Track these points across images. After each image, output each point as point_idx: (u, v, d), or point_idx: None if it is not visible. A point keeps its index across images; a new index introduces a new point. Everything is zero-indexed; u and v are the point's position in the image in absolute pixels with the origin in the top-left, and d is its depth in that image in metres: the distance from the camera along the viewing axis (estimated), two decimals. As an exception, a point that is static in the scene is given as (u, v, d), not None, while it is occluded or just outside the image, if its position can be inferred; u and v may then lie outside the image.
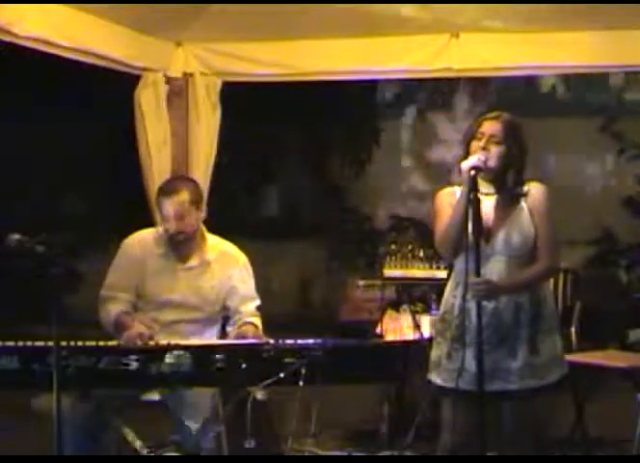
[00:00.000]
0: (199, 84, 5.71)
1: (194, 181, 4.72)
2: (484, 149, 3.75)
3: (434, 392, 3.95)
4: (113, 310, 4.35)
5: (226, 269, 4.50)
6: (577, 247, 8.54)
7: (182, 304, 4.43)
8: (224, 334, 4.59)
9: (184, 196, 4.38)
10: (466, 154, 3.79)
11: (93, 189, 9.85)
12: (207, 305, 4.48)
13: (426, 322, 5.36)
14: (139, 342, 4.01)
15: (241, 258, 4.59)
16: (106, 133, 9.19)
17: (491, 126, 3.80)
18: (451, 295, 3.88)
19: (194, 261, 4.46)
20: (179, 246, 4.44)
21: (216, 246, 4.54)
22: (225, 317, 4.62)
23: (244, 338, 4.28)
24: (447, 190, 3.92)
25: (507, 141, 3.78)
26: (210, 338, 4.49)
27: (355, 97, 9.64)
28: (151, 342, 4.02)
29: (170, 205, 4.35)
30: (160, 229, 4.51)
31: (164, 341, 4.01)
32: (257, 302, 4.58)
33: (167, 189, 4.43)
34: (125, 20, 5.11)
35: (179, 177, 5.00)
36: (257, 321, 4.51)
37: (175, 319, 4.41)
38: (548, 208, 3.82)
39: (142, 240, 4.51)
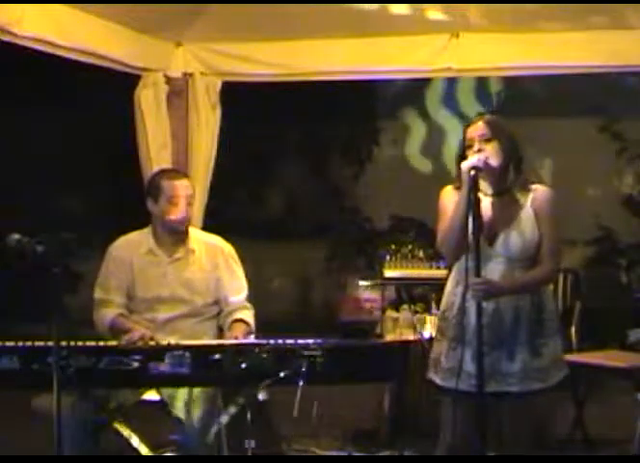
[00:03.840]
0: (199, 84, 5.71)
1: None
2: (479, 150, 3.75)
3: (433, 391, 3.95)
4: (107, 314, 4.36)
5: (212, 259, 4.50)
6: (577, 247, 8.54)
7: (172, 298, 4.41)
8: (221, 331, 4.58)
9: (190, 183, 4.47)
10: (462, 160, 3.79)
11: (92, 189, 9.85)
12: (197, 296, 4.46)
13: (426, 322, 5.36)
14: (140, 343, 4.00)
15: (226, 247, 4.58)
16: (106, 133, 9.18)
17: (475, 129, 3.80)
18: (451, 293, 3.88)
19: (180, 253, 4.46)
20: (168, 234, 4.43)
21: (200, 238, 4.54)
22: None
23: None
24: (451, 187, 3.91)
25: (496, 137, 3.78)
26: (208, 334, 4.47)
27: (355, 97, 9.63)
28: (152, 342, 4.01)
29: (180, 189, 4.36)
30: (145, 229, 4.50)
31: (164, 341, 4.01)
32: (246, 291, 4.56)
33: (173, 173, 4.47)
34: (125, 20, 5.11)
35: (173, 168, 5.02)
36: (247, 315, 4.48)
37: (170, 317, 4.40)
38: (553, 212, 3.81)
39: (126, 241, 4.51)
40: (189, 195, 4.38)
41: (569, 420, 5.27)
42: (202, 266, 4.48)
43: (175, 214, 4.36)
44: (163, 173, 4.57)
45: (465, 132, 3.83)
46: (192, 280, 4.46)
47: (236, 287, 4.53)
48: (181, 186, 4.37)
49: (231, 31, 5.51)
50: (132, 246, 4.47)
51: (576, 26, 5.27)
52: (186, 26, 5.50)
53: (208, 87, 5.73)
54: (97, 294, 4.45)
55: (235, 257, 4.59)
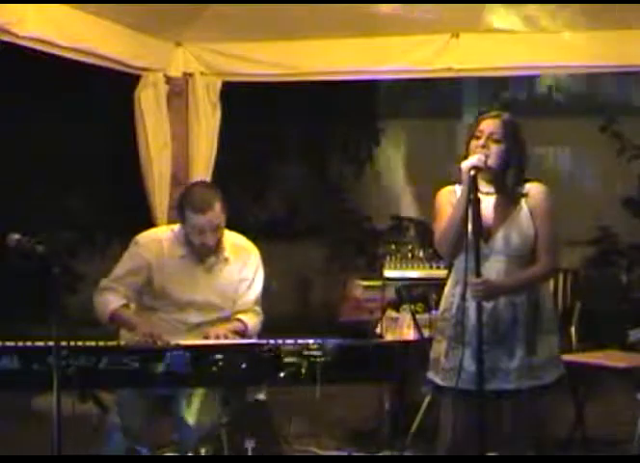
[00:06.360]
0: (199, 84, 5.72)
1: (214, 186, 4.60)
2: (483, 146, 3.76)
3: (433, 391, 3.95)
4: (111, 300, 4.30)
5: (240, 263, 4.47)
6: (577, 247, 8.54)
7: (205, 304, 4.40)
8: None
9: (218, 208, 4.28)
10: (467, 154, 3.79)
11: (93, 189, 9.84)
12: (228, 302, 4.44)
13: (426, 322, 5.36)
14: (149, 340, 4.01)
15: (253, 251, 4.54)
16: (106, 133, 9.18)
17: (490, 125, 3.80)
18: (450, 293, 3.88)
19: (212, 260, 4.42)
20: (199, 250, 4.41)
21: (230, 240, 4.49)
22: None
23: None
24: (448, 188, 3.92)
25: (506, 139, 3.78)
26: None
27: (355, 97, 9.64)
28: (159, 342, 4.01)
29: (206, 222, 4.27)
30: (176, 228, 4.45)
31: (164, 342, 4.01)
32: (255, 296, 4.52)
33: (200, 206, 4.26)
34: (125, 20, 5.11)
35: (205, 188, 4.57)
36: (249, 317, 4.46)
37: (201, 321, 4.38)
38: (549, 209, 3.82)
39: (156, 241, 4.43)
40: (214, 224, 4.29)
41: (569, 420, 5.27)
42: (233, 271, 4.46)
43: (201, 241, 4.32)
44: (191, 201, 4.32)
45: (479, 121, 3.83)
46: (224, 286, 4.43)
47: (249, 291, 4.51)
48: (207, 221, 4.26)
49: (231, 31, 5.51)
50: (162, 247, 4.39)
51: (577, 26, 5.27)
52: (186, 26, 5.50)
53: (208, 87, 5.74)
54: (108, 281, 4.37)
55: (259, 261, 4.54)
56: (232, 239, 4.50)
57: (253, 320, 4.47)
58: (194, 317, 4.38)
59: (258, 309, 4.54)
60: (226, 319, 4.44)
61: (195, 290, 4.39)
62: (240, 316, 4.44)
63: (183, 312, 4.38)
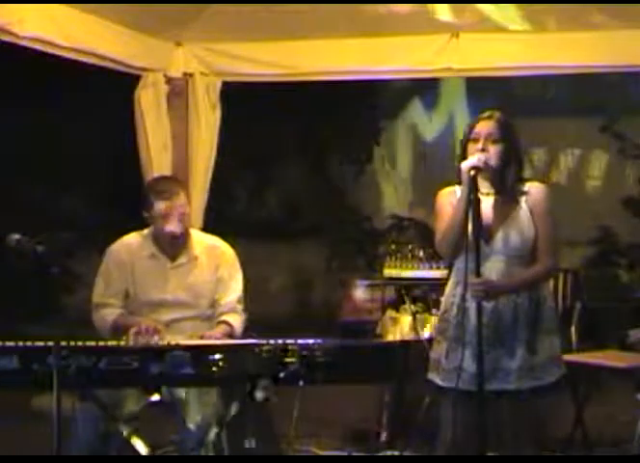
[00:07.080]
0: (199, 84, 5.72)
1: (178, 179, 4.88)
2: (483, 150, 3.76)
3: (433, 391, 3.95)
4: (109, 314, 4.37)
5: (213, 262, 4.49)
6: (577, 247, 8.54)
7: (176, 303, 4.42)
8: None
9: (183, 196, 4.39)
10: (464, 156, 3.79)
11: (93, 189, 9.85)
12: (201, 300, 4.46)
13: (426, 322, 5.36)
14: (147, 337, 4.01)
15: (227, 250, 4.57)
16: (106, 133, 9.19)
17: (485, 126, 3.80)
18: (451, 294, 3.89)
19: (182, 259, 4.45)
20: (168, 245, 4.43)
21: (201, 240, 4.53)
22: None
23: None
24: (448, 189, 3.93)
25: (504, 139, 3.79)
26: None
27: (355, 97, 9.64)
28: (157, 339, 4.01)
29: (173, 209, 4.32)
30: (145, 231, 4.50)
31: (164, 341, 4.01)
32: (237, 294, 4.54)
33: (165, 192, 4.36)
34: (125, 20, 5.11)
35: (169, 178, 4.88)
36: (234, 318, 4.48)
37: (174, 318, 4.40)
38: (548, 208, 3.83)
39: (127, 245, 4.49)
40: (182, 212, 4.35)
41: (569, 420, 5.27)
42: (204, 270, 4.47)
43: (170, 229, 4.35)
44: (156, 188, 4.43)
45: (473, 125, 3.83)
46: (195, 284, 4.45)
47: (229, 291, 4.53)
48: (173, 206, 4.33)
49: (231, 31, 5.51)
50: (133, 249, 4.45)
51: (577, 26, 5.27)
52: (186, 26, 5.50)
53: (208, 87, 5.73)
54: (97, 298, 4.44)
55: (235, 260, 4.57)
56: (205, 240, 4.54)
57: (237, 321, 4.49)
58: (165, 315, 4.39)
59: (240, 308, 4.55)
60: (206, 318, 4.47)
61: (164, 289, 4.42)
62: (225, 318, 4.46)
63: (155, 311, 4.40)
